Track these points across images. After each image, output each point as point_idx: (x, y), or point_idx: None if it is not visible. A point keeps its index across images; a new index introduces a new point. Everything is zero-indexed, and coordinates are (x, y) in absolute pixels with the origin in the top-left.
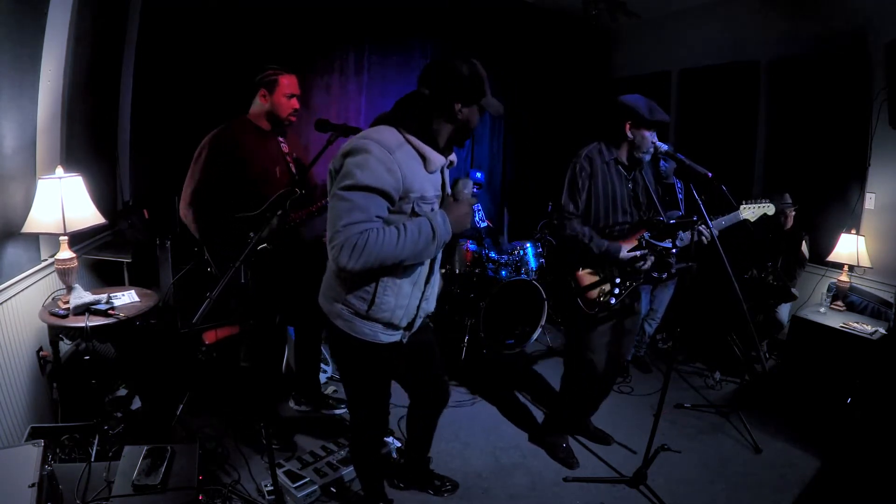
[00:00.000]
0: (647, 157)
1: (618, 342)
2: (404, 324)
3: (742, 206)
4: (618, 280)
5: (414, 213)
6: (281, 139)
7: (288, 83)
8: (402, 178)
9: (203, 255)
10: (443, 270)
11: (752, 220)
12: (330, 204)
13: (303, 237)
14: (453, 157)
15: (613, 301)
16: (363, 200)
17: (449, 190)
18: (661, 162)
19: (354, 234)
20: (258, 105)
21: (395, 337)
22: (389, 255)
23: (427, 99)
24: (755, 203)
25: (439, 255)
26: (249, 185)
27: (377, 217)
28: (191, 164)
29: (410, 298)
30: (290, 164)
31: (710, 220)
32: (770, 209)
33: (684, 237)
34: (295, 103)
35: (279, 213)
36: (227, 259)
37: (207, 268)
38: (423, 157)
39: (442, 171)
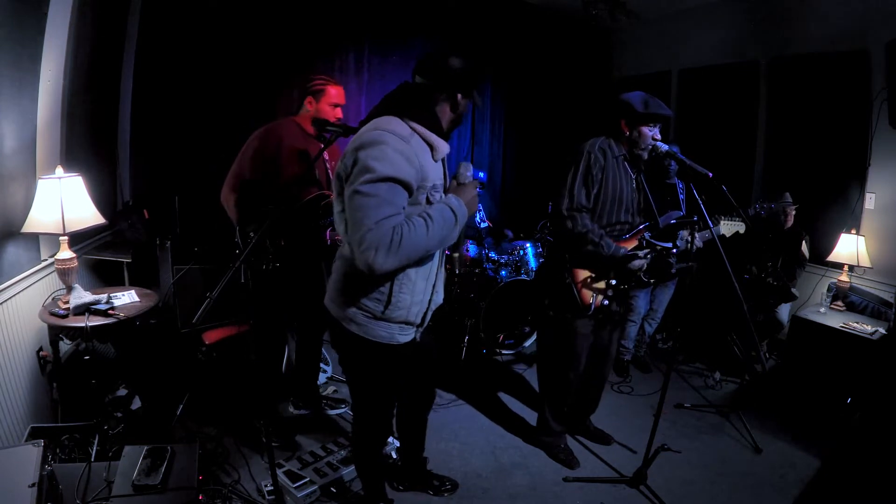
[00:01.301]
0: (645, 155)
1: (605, 344)
2: (419, 320)
3: (722, 223)
4: (613, 282)
5: (428, 203)
6: (321, 145)
7: (335, 93)
8: (420, 167)
9: (230, 241)
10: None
11: (727, 236)
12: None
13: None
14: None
15: (607, 302)
16: (388, 193)
17: (449, 178)
18: (672, 162)
19: (387, 230)
20: (305, 110)
21: (410, 336)
22: (422, 246)
23: (430, 89)
24: (731, 220)
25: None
26: (286, 184)
27: (402, 209)
28: (238, 154)
29: (424, 293)
30: (329, 170)
31: (697, 231)
32: (741, 228)
33: (683, 237)
34: (339, 113)
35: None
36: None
37: (236, 249)
38: (431, 146)
39: (442, 160)
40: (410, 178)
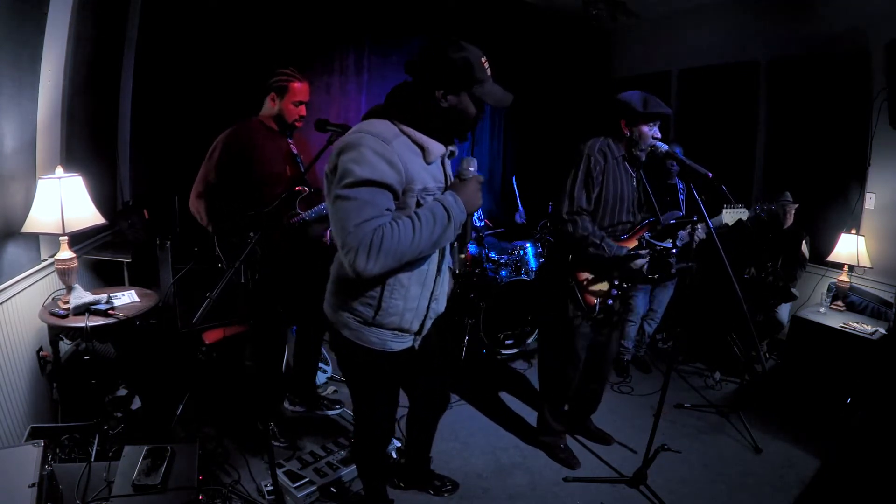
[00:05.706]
0: (643, 157)
1: (605, 342)
2: (415, 327)
3: (724, 211)
4: (616, 282)
5: (418, 207)
6: (290, 140)
7: (299, 89)
8: (405, 169)
9: (213, 250)
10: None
11: (730, 224)
12: (332, 208)
13: (311, 235)
14: (454, 147)
15: (611, 302)
16: (369, 195)
17: (452, 180)
18: (673, 163)
19: (368, 232)
20: (268, 107)
21: (405, 343)
22: (408, 248)
23: (414, 87)
24: (733, 208)
25: (447, 252)
26: (259, 184)
27: (387, 211)
28: (203, 160)
29: (419, 300)
30: (301, 165)
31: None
32: (745, 214)
33: (683, 236)
34: (302, 110)
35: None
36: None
37: (218, 263)
38: (422, 148)
39: (442, 162)
40: (392, 181)
